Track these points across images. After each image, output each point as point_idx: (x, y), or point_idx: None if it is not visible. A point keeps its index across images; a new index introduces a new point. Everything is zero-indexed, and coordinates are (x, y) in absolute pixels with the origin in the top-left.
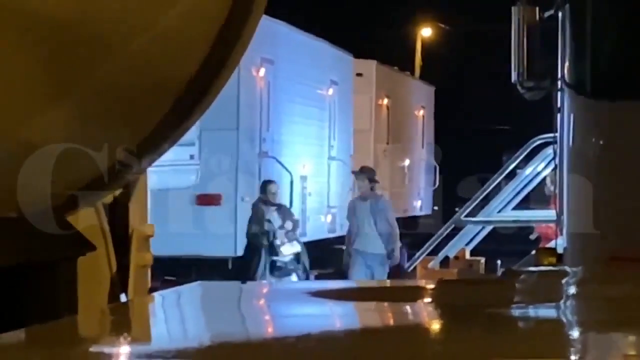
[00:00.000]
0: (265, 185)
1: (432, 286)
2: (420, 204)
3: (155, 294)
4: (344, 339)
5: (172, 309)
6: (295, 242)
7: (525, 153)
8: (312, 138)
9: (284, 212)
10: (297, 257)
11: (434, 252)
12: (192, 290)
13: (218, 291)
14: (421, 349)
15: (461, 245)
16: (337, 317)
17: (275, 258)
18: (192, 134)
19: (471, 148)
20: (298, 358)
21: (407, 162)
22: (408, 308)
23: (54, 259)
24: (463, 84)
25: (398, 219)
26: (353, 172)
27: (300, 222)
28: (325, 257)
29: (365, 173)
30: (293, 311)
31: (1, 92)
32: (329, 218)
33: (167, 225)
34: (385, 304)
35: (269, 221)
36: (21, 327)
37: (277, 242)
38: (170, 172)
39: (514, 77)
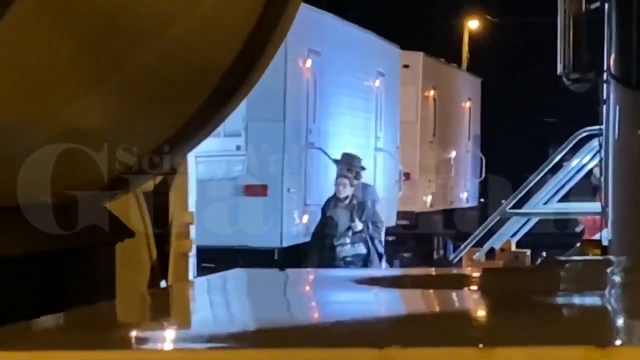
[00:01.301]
0: (336, 179)
1: (477, 274)
2: (466, 196)
3: (195, 280)
4: (383, 324)
5: (210, 295)
6: (360, 244)
7: (570, 145)
8: (359, 129)
9: (358, 210)
10: (361, 259)
11: (480, 244)
12: (230, 277)
13: (256, 277)
14: (467, 333)
15: (506, 237)
16: (379, 302)
17: (336, 256)
18: (238, 125)
19: (518, 140)
20: (339, 340)
21: (453, 153)
22: (453, 295)
23: (93, 245)
24: (510, 76)
25: (444, 211)
26: (334, 160)
27: (382, 224)
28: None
29: (344, 161)
30: (336, 297)
31: (43, 76)
32: None
33: (214, 216)
34: (431, 290)
35: (332, 219)
36: (60, 311)
37: (338, 242)
38: (217, 162)
39: (559, 69)
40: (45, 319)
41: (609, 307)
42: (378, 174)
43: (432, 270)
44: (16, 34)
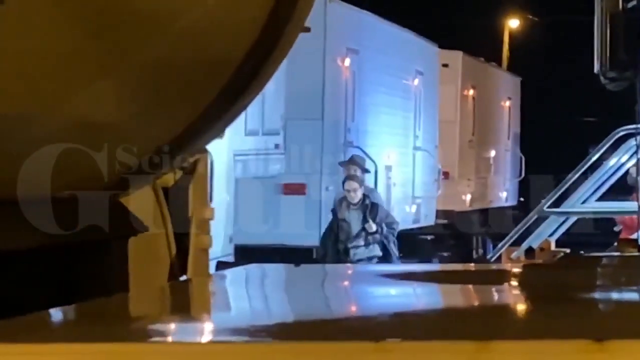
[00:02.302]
0: (343, 182)
1: (514, 269)
2: (505, 195)
3: (213, 274)
4: (382, 318)
5: (227, 289)
6: (375, 246)
7: (608, 144)
8: (397, 128)
9: (371, 211)
10: (376, 261)
11: (519, 243)
12: (246, 272)
13: (275, 273)
14: (505, 327)
15: (544, 236)
16: (385, 296)
17: (350, 259)
18: (277, 123)
19: (558, 139)
20: (378, 333)
21: (492, 153)
22: (491, 289)
23: (106, 238)
24: (550, 75)
25: (483, 210)
26: (340, 163)
27: (397, 225)
28: (410, 247)
29: (355, 162)
30: (370, 292)
31: (45, 64)
32: (414, 208)
33: (252, 214)
34: (469, 285)
35: (344, 221)
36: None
37: (351, 244)
38: (255, 161)
39: (596, 67)
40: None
41: (615, 302)
42: (417, 172)
43: (446, 266)
44: (18, 17)
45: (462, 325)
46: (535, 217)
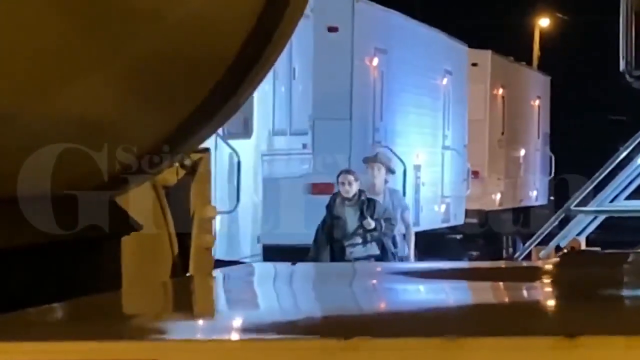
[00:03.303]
0: (338, 175)
1: (538, 267)
2: (535, 194)
3: (214, 272)
4: (352, 315)
5: (219, 287)
6: (373, 244)
7: (637, 142)
8: (426, 128)
9: (369, 207)
10: (374, 260)
11: (548, 242)
12: (245, 270)
13: (269, 271)
14: (478, 324)
15: (572, 235)
16: (360, 293)
17: (347, 258)
18: (305, 123)
19: (588, 138)
20: (347, 330)
21: (522, 152)
22: (472, 287)
23: (99, 237)
24: (581, 74)
25: (513, 209)
26: (365, 159)
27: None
28: (440, 247)
29: (380, 161)
30: (387, 288)
31: (37, 59)
32: (443, 208)
33: (280, 214)
34: (493, 282)
35: (339, 218)
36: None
37: (348, 242)
38: (283, 161)
39: (622, 66)
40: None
41: (592, 298)
42: (446, 172)
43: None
44: (5, 11)
45: (434, 322)
46: (563, 215)
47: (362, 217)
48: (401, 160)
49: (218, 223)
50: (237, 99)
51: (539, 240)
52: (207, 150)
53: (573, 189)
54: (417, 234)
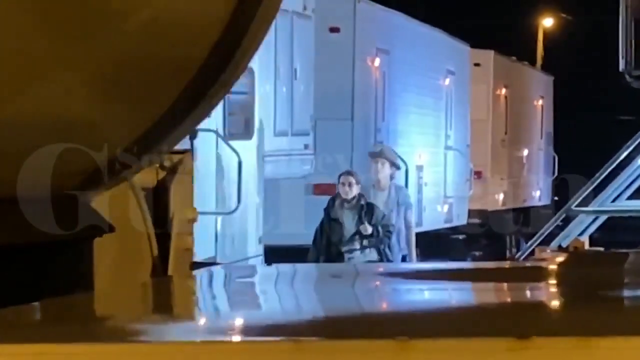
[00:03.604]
0: (339, 176)
1: (537, 267)
2: (539, 194)
3: (193, 273)
4: (300, 315)
5: (193, 288)
6: (372, 250)
7: (637, 142)
8: (428, 128)
9: (368, 212)
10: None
11: (549, 242)
12: (221, 271)
13: (240, 272)
14: (430, 326)
15: (574, 235)
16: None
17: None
18: (306, 124)
19: (593, 138)
20: (298, 332)
21: (525, 152)
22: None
23: (70, 238)
24: (585, 74)
25: (516, 209)
26: (370, 154)
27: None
28: (443, 247)
29: (385, 156)
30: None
31: (3, 60)
32: (446, 208)
33: (282, 215)
34: (465, 283)
35: (337, 221)
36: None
37: (345, 248)
38: (285, 161)
39: (621, 66)
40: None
41: (548, 300)
42: (448, 172)
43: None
44: None
45: (387, 324)
46: (564, 215)
47: (359, 221)
48: (403, 161)
49: (219, 224)
50: (210, 100)
51: (539, 240)
52: (187, 151)
53: (574, 189)
54: (419, 234)
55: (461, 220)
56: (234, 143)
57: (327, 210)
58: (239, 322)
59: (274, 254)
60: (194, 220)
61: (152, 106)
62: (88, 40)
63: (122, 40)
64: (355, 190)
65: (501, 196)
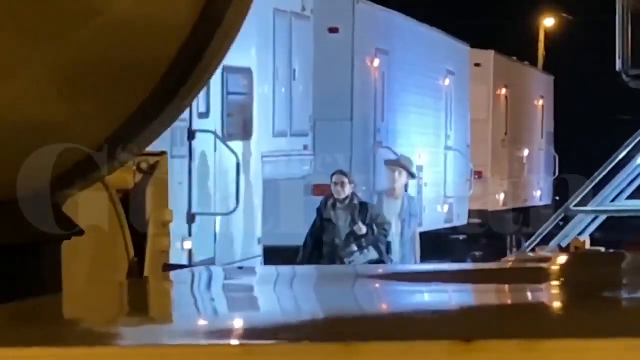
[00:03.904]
0: (332, 175)
1: (537, 267)
2: (539, 194)
3: (171, 274)
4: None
5: (163, 290)
6: (371, 249)
7: (636, 141)
8: (428, 128)
9: (361, 212)
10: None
11: (548, 242)
12: (194, 274)
13: (222, 275)
14: (373, 329)
15: (573, 235)
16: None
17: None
18: (305, 124)
19: (593, 138)
20: (245, 336)
21: (526, 152)
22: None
23: (38, 241)
24: (586, 74)
25: (517, 209)
26: (387, 162)
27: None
28: (443, 247)
29: (403, 165)
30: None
31: None
32: (446, 208)
33: (281, 216)
34: (427, 284)
35: (329, 221)
36: None
37: (344, 251)
38: (284, 162)
39: (618, 65)
40: None
41: (497, 302)
42: (449, 172)
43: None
44: None
45: (332, 327)
46: (562, 215)
47: (353, 222)
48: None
49: (218, 225)
50: (180, 101)
51: (538, 240)
52: (163, 153)
53: (574, 189)
54: (420, 234)
55: (461, 220)
56: (232, 144)
57: (320, 210)
58: (191, 325)
59: (273, 255)
60: (169, 221)
61: (121, 106)
62: (55, 40)
63: (89, 39)
64: (348, 191)
65: (502, 196)
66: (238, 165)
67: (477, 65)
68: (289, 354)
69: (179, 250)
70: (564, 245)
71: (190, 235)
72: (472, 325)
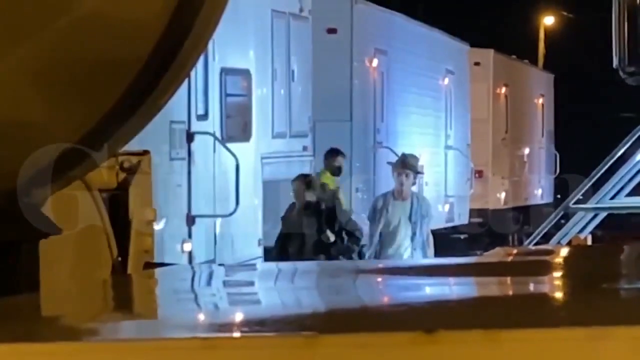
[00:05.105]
0: (292, 181)
1: (539, 259)
2: (541, 192)
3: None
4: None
5: (135, 289)
6: (341, 260)
7: (635, 138)
8: (428, 128)
9: (328, 219)
10: None
11: (548, 240)
12: (171, 271)
13: (195, 272)
14: (336, 321)
15: (573, 233)
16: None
17: None
18: (305, 125)
19: (594, 136)
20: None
21: (526, 150)
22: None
23: (14, 241)
24: (586, 71)
25: (518, 208)
26: (391, 164)
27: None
28: (444, 247)
29: (409, 165)
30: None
31: None
32: (447, 207)
33: (280, 217)
34: (387, 277)
35: (295, 230)
36: None
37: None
38: (283, 163)
39: (615, 62)
40: None
41: (457, 294)
42: (449, 172)
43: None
44: None
45: (295, 320)
46: (562, 213)
47: (320, 230)
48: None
49: (218, 226)
50: (155, 100)
51: (538, 238)
52: (146, 152)
53: (573, 188)
54: None
55: (462, 219)
56: (232, 146)
57: (285, 218)
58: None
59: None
60: (153, 221)
61: (95, 105)
62: (26, 37)
63: (60, 36)
64: (310, 196)
65: (503, 195)
66: (237, 166)
67: (477, 64)
68: (251, 347)
69: (178, 252)
70: (564, 243)
71: (190, 237)
72: (436, 316)
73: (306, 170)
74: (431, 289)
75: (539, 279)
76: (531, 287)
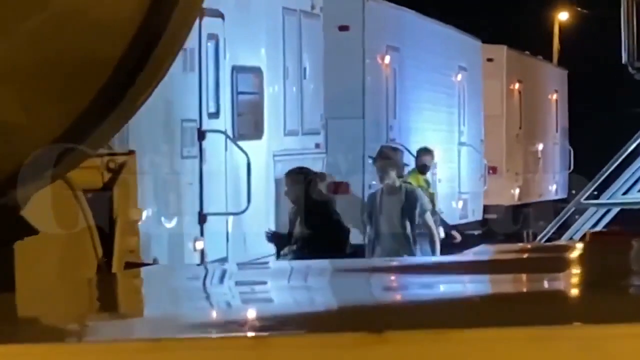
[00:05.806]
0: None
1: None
2: (555, 188)
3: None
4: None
5: (114, 288)
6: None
7: None
8: (441, 124)
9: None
10: None
11: (561, 236)
12: (153, 271)
13: (179, 272)
14: (286, 321)
15: (585, 229)
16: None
17: None
18: (317, 123)
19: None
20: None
21: (540, 146)
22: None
23: None
24: (601, 67)
25: (532, 204)
26: (370, 157)
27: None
28: (459, 243)
29: (385, 158)
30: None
31: None
32: (460, 204)
33: None
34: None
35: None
36: None
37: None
38: (296, 161)
39: (624, 57)
40: None
41: (408, 294)
42: (462, 168)
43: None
44: None
45: (243, 321)
46: (573, 209)
47: (291, 225)
48: (413, 156)
49: (230, 224)
50: (131, 101)
51: (549, 234)
52: (131, 152)
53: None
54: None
55: (476, 215)
56: (243, 143)
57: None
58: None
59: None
60: (137, 221)
61: (70, 104)
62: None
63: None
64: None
65: (517, 191)
66: (249, 164)
67: (490, 60)
68: (198, 349)
69: (190, 250)
70: (577, 239)
71: (202, 235)
72: (387, 316)
73: (318, 167)
74: (384, 290)
75: (502, 277)
76: (487, 286)
